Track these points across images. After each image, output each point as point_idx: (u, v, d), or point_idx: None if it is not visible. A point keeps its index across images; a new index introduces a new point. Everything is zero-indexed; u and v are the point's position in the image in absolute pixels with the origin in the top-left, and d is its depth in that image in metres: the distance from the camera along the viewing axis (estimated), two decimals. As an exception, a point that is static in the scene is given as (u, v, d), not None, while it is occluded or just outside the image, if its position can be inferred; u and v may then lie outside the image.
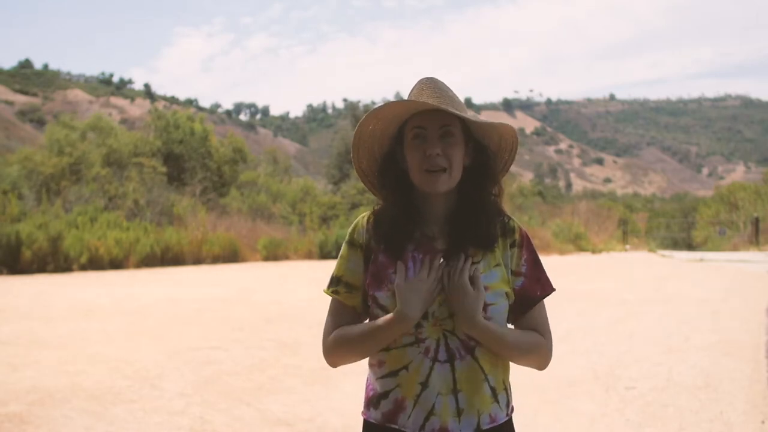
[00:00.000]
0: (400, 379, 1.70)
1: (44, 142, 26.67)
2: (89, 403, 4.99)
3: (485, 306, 1.68)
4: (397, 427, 1.70)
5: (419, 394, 1.68)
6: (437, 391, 1.68)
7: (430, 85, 1.77)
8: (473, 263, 1.71)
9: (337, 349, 1.77)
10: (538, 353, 1.77)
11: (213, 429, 4.50)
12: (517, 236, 1.78)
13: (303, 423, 4.64)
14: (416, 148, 1.74)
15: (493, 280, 1.72)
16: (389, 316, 1.67)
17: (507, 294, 1.74)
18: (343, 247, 1.82)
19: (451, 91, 1.78)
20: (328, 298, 1.84)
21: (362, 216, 1.85)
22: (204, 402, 5.07)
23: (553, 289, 1.82)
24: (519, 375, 2.03)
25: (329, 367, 1.84)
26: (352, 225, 1.84)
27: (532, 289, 1.77)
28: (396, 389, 1.71)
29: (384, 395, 1.72)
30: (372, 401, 1.75)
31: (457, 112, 1.70)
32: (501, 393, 1.74)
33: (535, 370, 1.85)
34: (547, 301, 1.82)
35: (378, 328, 1.69)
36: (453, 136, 1.74)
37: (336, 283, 1.81)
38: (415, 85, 1.80)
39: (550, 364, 1.82)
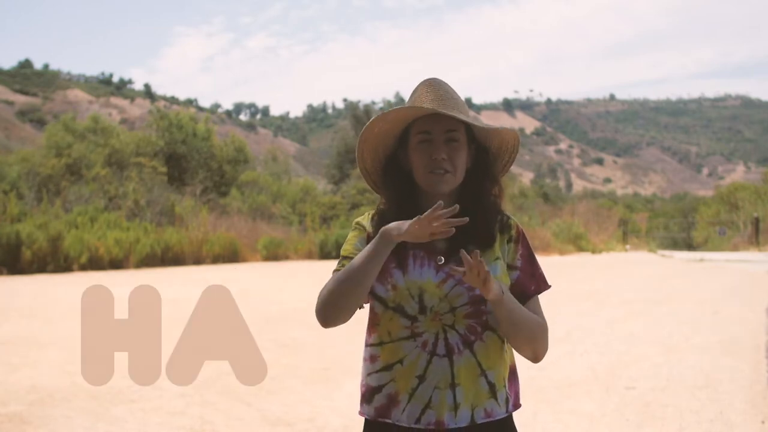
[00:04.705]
0: (394, 374, 1.72)
1: (44, 143, 26.69)
2: (89, 403, 5.00)
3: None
4: (390, 421, 1.71)
5: (415, 388, 1.70)
6: (434, 384, 1.70)
7: (434, 86, 1.79)
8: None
9: (333, 286, 1.70)
10: (542, 336, 1.77)
11: (213, 429, 4.50)
12: (513, 232, 1.82)
13: (303, 423, 4.64)
14: (422, 151, 1.77)
15: (494, 273, 1.75)
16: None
17: (508, 286, 1.77)
18: (351, 233, 1.85)
19: (454, 92, 1.80)
20: None
21: (367, 213, 1.89)
22: (204, 402, 5.08)
23: (549, 286, 1.84)
24: (519, 375, 2.02)
25: (329, 366, 1.85)
26: (358, 218, 1.88)
27: (527, 283, 1.80)
28: (390, 383, 1.72)
29: (378, 389, 1.74)
30: (365, 397, 1.77)
31: (464, 118, 1.74)
32: (501, 390, 1.76)
33: (534, 371, 1.86)
34: (548, 302, 1.82)
35: (368, 247, 1.69)
36: (457, 141, 1.77)
37: (346, 261, 1.80)
38: (419, 85, 1.82)
39: (550, 365, 1.83)
